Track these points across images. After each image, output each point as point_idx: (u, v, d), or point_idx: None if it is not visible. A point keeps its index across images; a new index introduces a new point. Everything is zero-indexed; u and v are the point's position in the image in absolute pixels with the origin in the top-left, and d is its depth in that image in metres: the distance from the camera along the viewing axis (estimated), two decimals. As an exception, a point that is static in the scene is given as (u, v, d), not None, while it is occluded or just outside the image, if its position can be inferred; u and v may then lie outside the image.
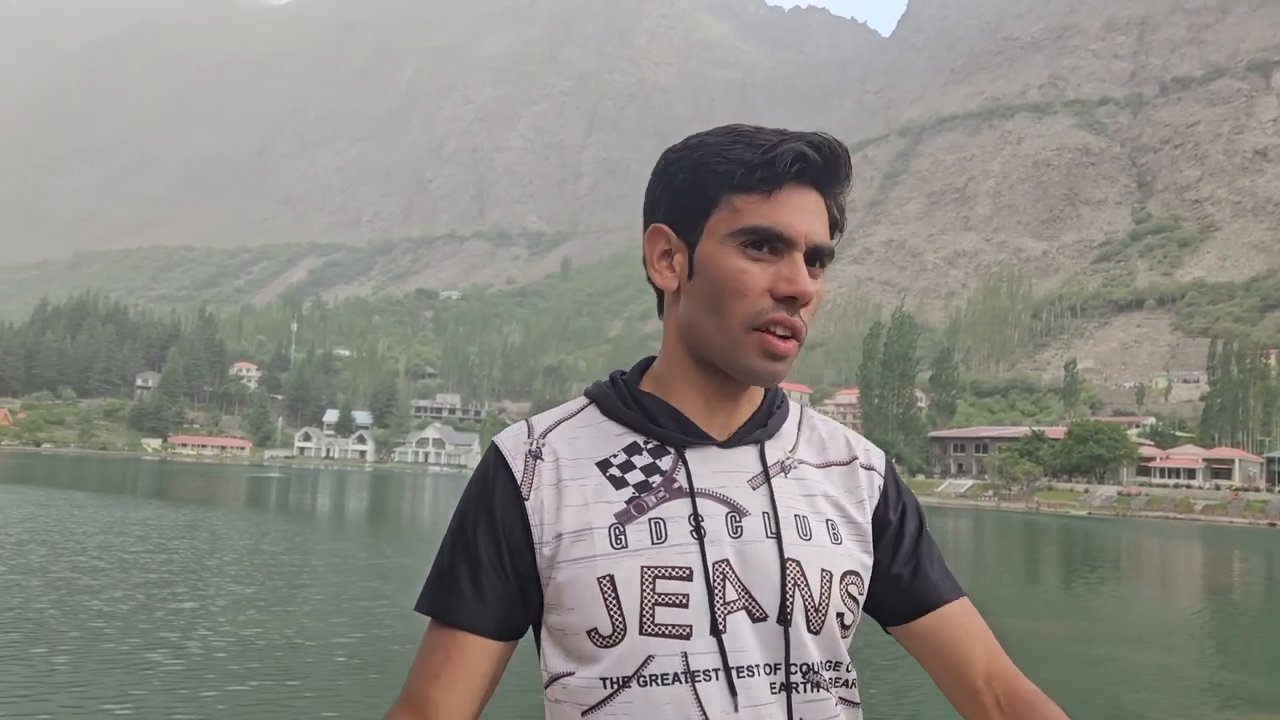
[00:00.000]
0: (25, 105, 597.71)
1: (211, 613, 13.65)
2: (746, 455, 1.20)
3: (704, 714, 1.10)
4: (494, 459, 1.21)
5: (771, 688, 1.13)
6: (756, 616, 1.13)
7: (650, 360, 1.29)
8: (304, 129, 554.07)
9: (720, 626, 1.11)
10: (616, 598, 1.11)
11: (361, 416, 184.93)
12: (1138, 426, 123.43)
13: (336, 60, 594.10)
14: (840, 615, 1.18)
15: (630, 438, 1.20)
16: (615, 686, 1.12)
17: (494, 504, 1.18)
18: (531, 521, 1.16)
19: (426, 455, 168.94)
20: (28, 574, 16.50)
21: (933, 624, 1.25)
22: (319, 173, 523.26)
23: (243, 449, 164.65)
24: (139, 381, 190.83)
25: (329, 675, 10.40)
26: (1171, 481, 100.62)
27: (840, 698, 1.18)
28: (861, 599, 1.22)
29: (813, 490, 1.22)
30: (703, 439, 1.19)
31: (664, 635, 1.11)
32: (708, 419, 1.20)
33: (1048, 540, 47.74)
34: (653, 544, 1.13)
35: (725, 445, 1.19)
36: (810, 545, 1.17)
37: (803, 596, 1.14)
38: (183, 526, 27.76)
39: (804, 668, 1.15)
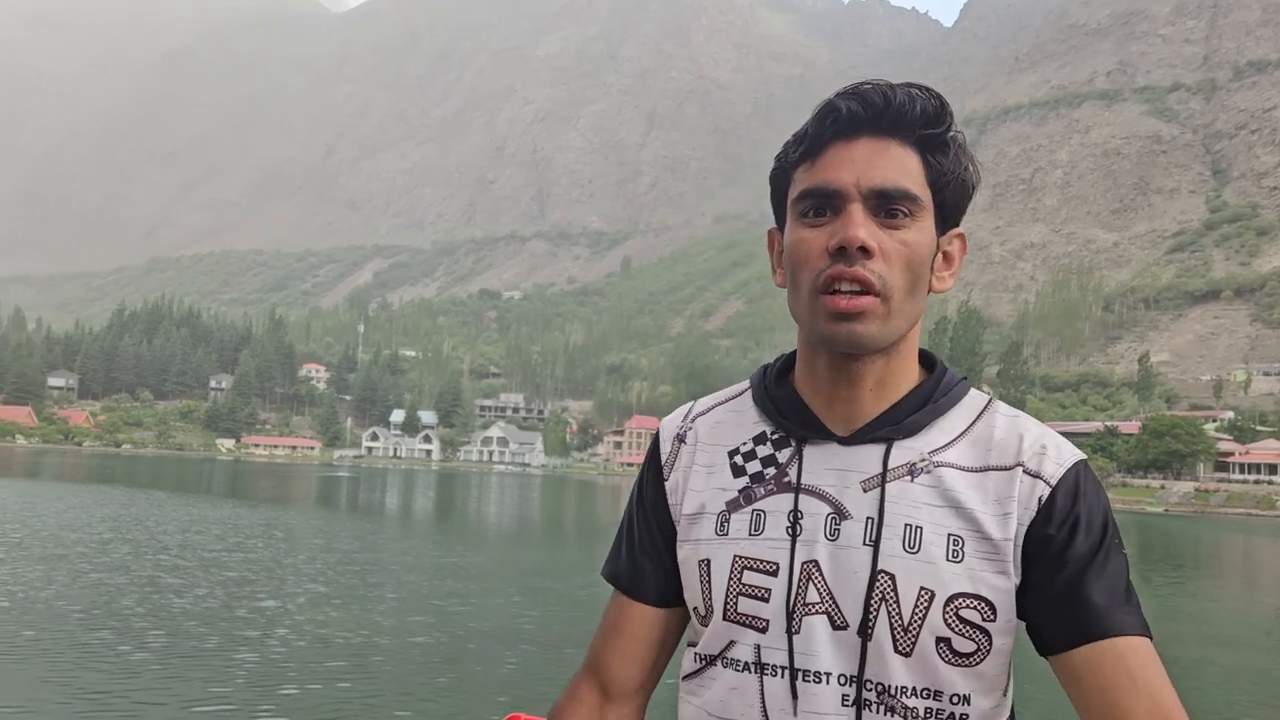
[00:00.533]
0: (102, 117, 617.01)
1: (290, 611, 13.87)
2: (868, 454, 1.14)
3: (764, 708, 1.12)
4: (653, 439, 1.30)
5: (844, 700, 1.09)
6: (837, 624, 1.10)
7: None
8: (368, 133, 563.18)
9: (795, 627, 1.10)
10: (709, 582, 1.16)
11: (427, 416, 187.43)
12: (1215, 421, 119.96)
13: (399, 64, 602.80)
14: (944, 640, 1.08)
15: (762, 426, 1.21)
16: (704, 662, 1.18)
17: (645, 481, 1.27)
18: (670, 501, 1.23)
19: (491, 454, 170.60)
20: (112, 571, 16.95)
21: (1089, 660, 1.08)
22: (383, 176, 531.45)
23: (313, 449, 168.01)
24: (213, 383, 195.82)
25: (405, 673, 10.48)
26: (1252, 477, 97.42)
27: None
28: (991, 626, 1.09)
29: (945, 500, 1.12)
30: (823, 434, 1.16)
31: (742, 624, 1.13)
32: (830, 412, 1.17)
33: (1125, 539, 46.42)
34: (749, 535, 1.15)
35: (846, 442, 1.15)
36: (914, 559, 1.10)
37: (889, 612, 1.09)
38: (259, 525, 28.34)
39: (880, 687, 1.09)
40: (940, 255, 1.16)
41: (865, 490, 1.12)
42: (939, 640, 1.08)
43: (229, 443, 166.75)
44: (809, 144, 1.12)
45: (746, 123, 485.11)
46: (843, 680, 1.09)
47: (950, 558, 1.09)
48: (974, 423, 1.17)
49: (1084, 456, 1.15)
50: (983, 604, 1.09)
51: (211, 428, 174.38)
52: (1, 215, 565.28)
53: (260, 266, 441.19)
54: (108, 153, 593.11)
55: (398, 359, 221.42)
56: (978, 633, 1.09)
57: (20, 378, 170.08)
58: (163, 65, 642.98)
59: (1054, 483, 1.11)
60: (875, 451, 1.14)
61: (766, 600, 1.12)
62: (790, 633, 1.10)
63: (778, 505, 1.14)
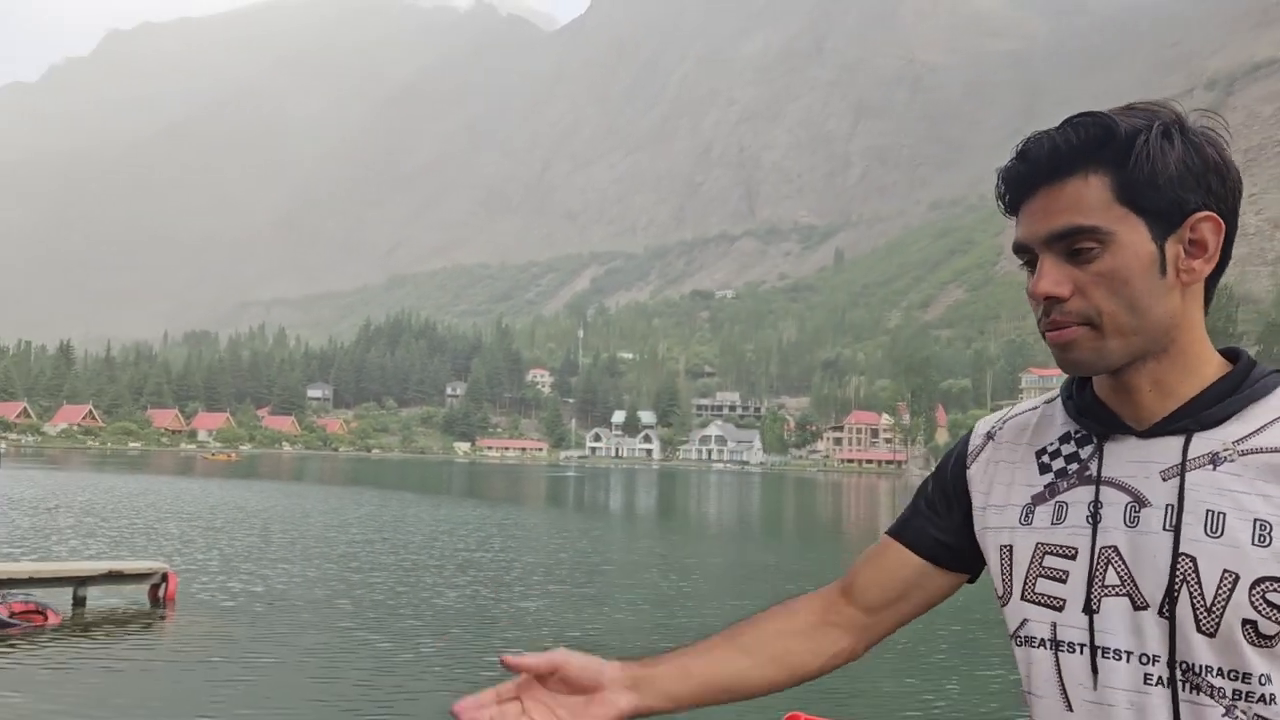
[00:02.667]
0: (343, 150, 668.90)
1: (539, 609, 14.94)
2: (1167, 445, 1.18)
3: (1062, 683, 1.18)
4: (967, 434, 1.40)
5: (1146, 678, 1.13)
6: (1138, 604, 1.14)
7: None
8: (580, 146, 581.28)
9: (1094, 606, 1.16)
10: (1010, 566, 1.24)
11: (646, 416, 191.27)
12: None
13: (607, 77, 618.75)
14: (1251, 623, 1.10)
15: (1068, 427, 1.27)
16: (1007, 638, 1.26)
17: (949, 463, 1.38)
18: (971, 488, 1.33)
19: (709, 453, 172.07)
20: (375, 570, 18.71)
21: None
22: (596, 186, 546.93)
23: (540, 450, 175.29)
24: (448, 390, 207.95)
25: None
26: None
27: (1250, 713, 1.11)
28: None
29: (1251, 486, 1.13)
30: (1122, 429, 1.21)
31: (1039, 604, 1.21)
32: (1129, 408, 1.21)
33: None
34: (1051, 524, 1.22)
35: (1144, 435, 1.20)
36: (1217, 543, 1.12)
37: (1190, 593, 1.11)
38: (499, 524, 30.22)
39: (1184, 665, 1.12)
40: (1182, 249, 1.16)
41: (1165, 479, 1.16)
42: (1245, 622, 1.09)
43: (465, 445, 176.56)
44: (1007, 206, 1.22)
45: (961, 105, 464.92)
46: (1144, 659, 1.13)
47: (1257, 542, 1.10)
48: None
49: None
50: None
51: (449, 432, 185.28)
52: (263, 244, 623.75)
53: (487, 279, 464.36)
54: (350, 182, 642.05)
55: (616, 361, 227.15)
56: None
57: (285, 390, 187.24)
58: (394, 98, 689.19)
59: None
60: (1175, 443, 1.17)
61: (1064, 581, 1.18)
62: (1090, 611, 1.16)
63: (1079, 497, 1.20)
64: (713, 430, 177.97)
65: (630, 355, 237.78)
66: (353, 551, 20.96)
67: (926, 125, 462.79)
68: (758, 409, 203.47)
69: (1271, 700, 1.10)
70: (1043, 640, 1.20)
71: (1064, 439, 1.27)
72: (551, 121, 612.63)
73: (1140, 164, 1.14)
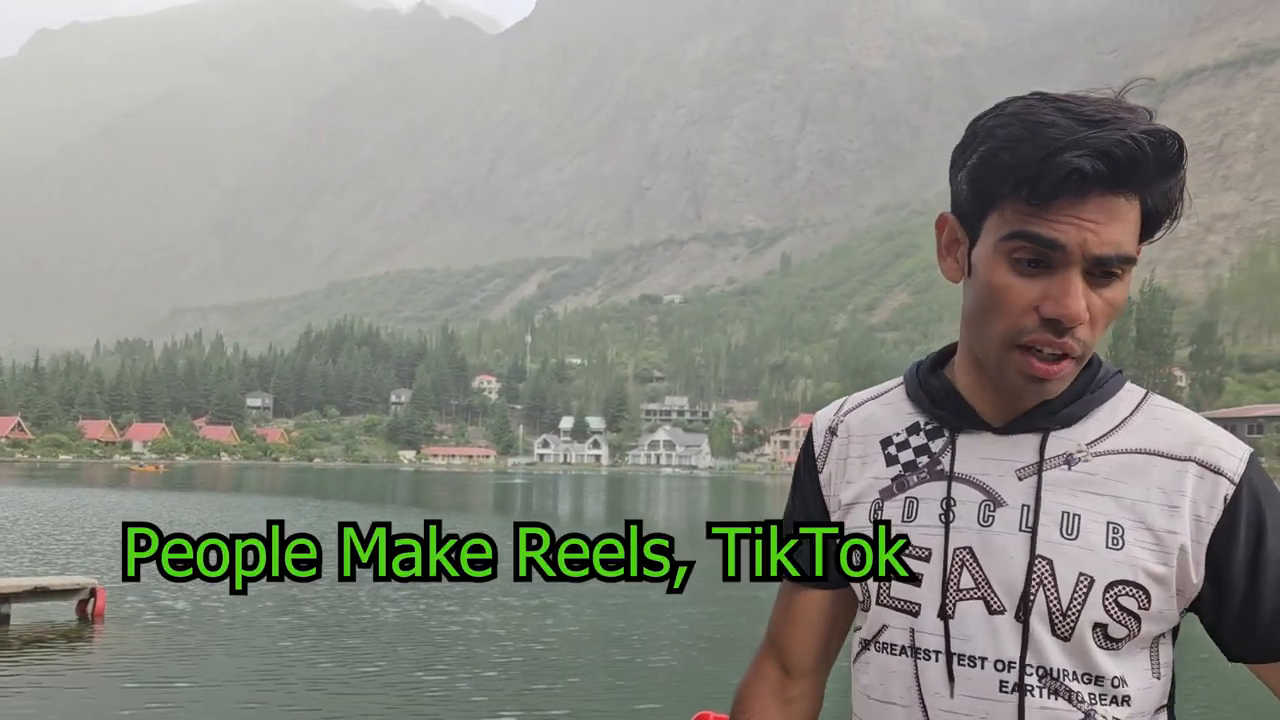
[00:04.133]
0: (280, 151, 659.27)
1: (477, 619, 14.44)
2: (1023, 444, 1.14)
3: (920, 692, 1.14)
4: (807, 434, 1.33)
5: (1003, 685, 1.10)
6: (994, 609, 1.10)
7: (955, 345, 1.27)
8: (526, 149, 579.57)
9: (949, 611, 1.12)
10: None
11: (595, 422, 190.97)
12: None
13: (553, 80, 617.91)
14: (1101, 626, 1.09)
15: (916, 418, 1.22)
16: (862, 646, 1.22)
17: (802, 473, 1.30)
18: (825, 493, 1.27)
19: (658, 457, 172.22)
20: (311, 584, 18.02)
21: (1269, 679, 1.13)
22: (542, 189, 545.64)
23: (488, 457, 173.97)
24: (393, 398, 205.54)
25: (593, 675, 10.75)
26: None
27: (1103, 716, 1.10)
28: (1144, 614, 1.09)
29: (1103, 488, 1.11)
30: (978, 424, 1.16)
31: (895, 609, 1.16)
32: (988, 403, 1.16)
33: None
34: (902, 521, 1.17)
35: (1001, 432, 1.15)
36: (1073, 545, 1.09)
37: (1047, 596, 1.09)
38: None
39: (1041, 671, 1.09)
40: None
41: (1020, 479, 1.12)
42: (1096, 625, 1.08)
43: (410, 454, 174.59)
44: (1038, 192, 1.03)
45: (904, 110, 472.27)
46: (999, 665, 1.10)
47: (1110, 545, 1.09)
48: (1132, 414, 1.15)
49: (1253, 450, 1.13)
50: (1140, 592, 1.08)
51: (393, 440, 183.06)
52: (198, 249, 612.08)
53: (432, 284, 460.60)
54: (287, 185, 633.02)
55: (564, 367, 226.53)
56: (1131, 619, 1.09)
57: (223, 399, 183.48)
58: (334, 100, 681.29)
59: (1237, 480, 1.10)
60: (1031, 441, 1.14)
61: (919, 584, 1.14)
62: (946, 617, 1.12)
63: (931, 493, 1.16)
64: (661, 435, 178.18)
65: (578, 360, 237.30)
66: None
67: (871, 130, 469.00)
68: (706, 413, 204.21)
69: (1126, 702, 1.10)
70: (903, 648, 1.15)
71: (912, 430, 1.22)
72: (497, 124, 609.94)
73: (1170, 204, 1.07)
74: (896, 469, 1.20)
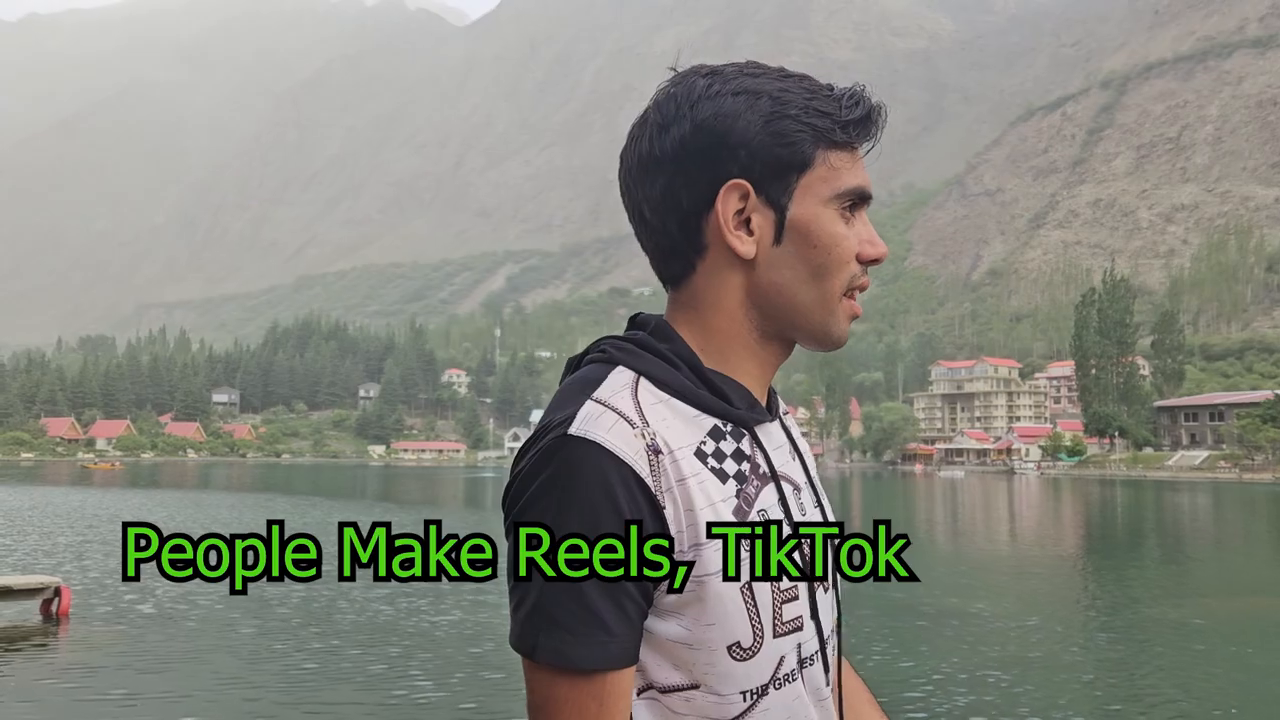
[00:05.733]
0: (246, 144, 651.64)
1: (462, 620, 14.46)
2: (777, 428, 1.11)
3: (809, 699, 1.04)
4: (607, 463, 0.93)
5: (834, 650, 1.12)
6: (827, 587, 1.09)
7: (659, 324, 1.08)
8: (494, 142, 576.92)
9: (816, 608, 1.05)
10: (755, 605, 0.98)
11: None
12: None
13: (520, 72, 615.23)
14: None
15: (708, 421, 1.02)
16: (755, 698, 1.00)
17: (626, 517, 0.93)
18: (674, 531, 0.95)
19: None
20: (279, 581, 17.93)
21: None
22: (510, 183, 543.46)
23: (458, 451, 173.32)
24: (361, 393, 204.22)
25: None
26: None
27: (833, 649, 1.15)
28: None
29: (801, 448, 1.16)
30: (765, 416, 1.07)
31: (787, 633, 1.01)
32: (762, 392, 1.09)
33: (1301, 514, 43.65)
34: None
35: (772, 419, 1.10)
36: (829, 507, 1.14)
37: (832, 559, 1.11)
38: (412, 527, 29.51)
39: (834, 628, 1.12)
40: None
41: (792, 459, 1.11)
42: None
43: (379, 449, 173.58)
44: (860, 133, 1.05)
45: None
46: (832, 635, 1.11)
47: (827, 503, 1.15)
48: None
49: None
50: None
51: (362, 435, 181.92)
52: (163, 244, 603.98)
53: (400, 278, 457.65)
54: (254, 179, 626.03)
55: (534, 360, 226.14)
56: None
57: (188, 395, 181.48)
58: (299, 92, 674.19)
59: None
60: (777, 424, 1.12)
61: (798, 597, 1.02)
62: (815, 617, 1.04)
63: (769, 499, 1.03)
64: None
65: (548, 354, 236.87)
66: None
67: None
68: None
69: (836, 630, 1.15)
70: (792, 670, 1.02)
71: (715, 435, 1.01)
72: (463, 117, 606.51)
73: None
74: (732, 484, 1.00)
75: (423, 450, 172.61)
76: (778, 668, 1.00)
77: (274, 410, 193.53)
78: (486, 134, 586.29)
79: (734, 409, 1.02)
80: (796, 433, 1.15)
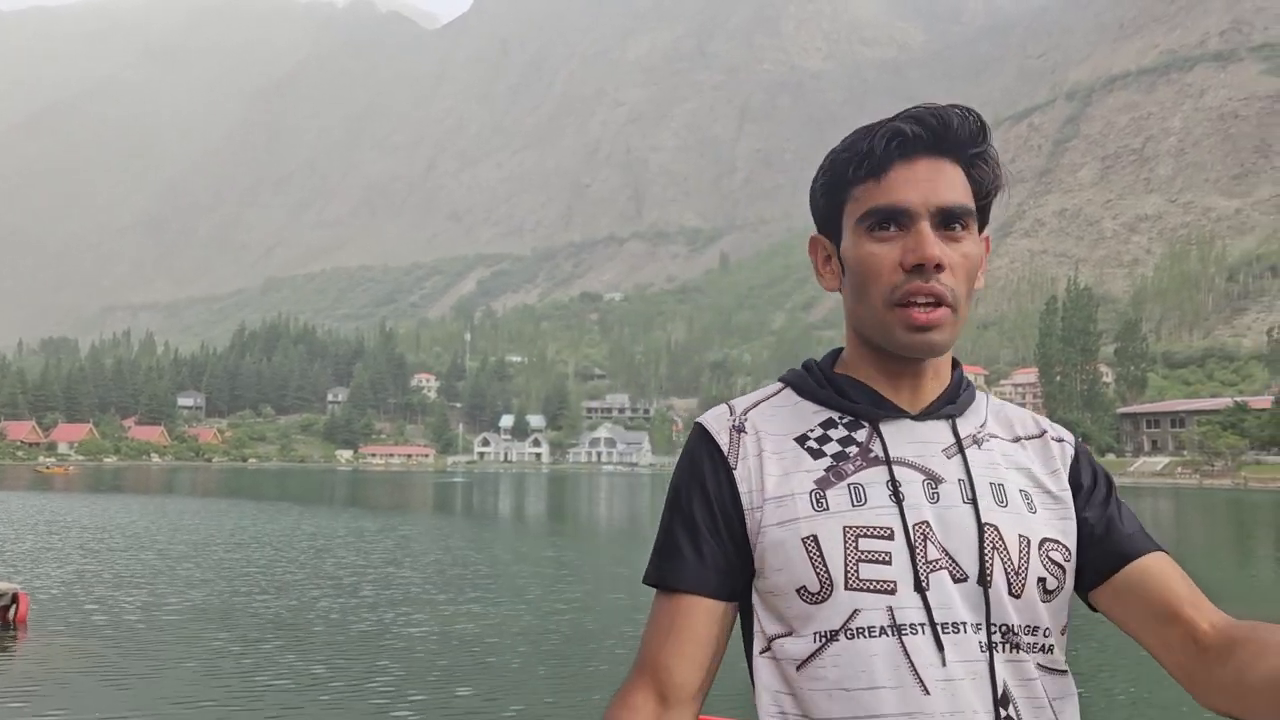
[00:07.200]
0: (216, 147, 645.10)
1: (416, 619, 14.45)
2: (938, 428, 1.26)
3: (912, 665, 1.15)
4: (699, 435, 1.31)
5: (981, 646, 1.17)
6: (957, 577, 1.17)
7: (839, 350, 1.36)
8: (466, 145, 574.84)
9: (924, 583, 1.16)
10: (821, 556, 1.18)
11: (535, 420, 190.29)
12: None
13: (492, 75, 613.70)
14: (1042, 580, 1.20)
15: (826, 414, 1.27)
16: (824, 640, 1.17)
17: (704, 475, 1.27)
18: (740, 490, 1.24)
19: (599, 455, 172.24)
20: (247, 588, 17.85)
21: (1130, 577, 1.23)
22: (482, 186, 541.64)
23: (427, 456, 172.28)
24: (330, 397, 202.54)
25: (532, 671, 10.88)
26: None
27: (1039, 664, 1.20)
28: (1068, 565, 1.24)
29: (1006, 463, 1.27)
30: (895, 412, 1.25)
31: (869, 590, 1.16)
32: (896, 395, 1.26)
33: (1262, 519, 44.44)
34: (852, 506, 1.19)
35: (917, 418, 1.25)
36: (1006, 511, 1.21)
37: (1001, 560, 1.19)
38: (378, 533, 29.37)
39: (1004, 628, 1.18)
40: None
41: (949, 458, 1.23)
42: (1039, 580, 1.20)
43: (347, 453, 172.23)
44: (873, 163, 1.22)
45: (840, 110, 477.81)
46: (975, 628, 1.17)
47: (1029, 509, 1.24)
48: (987, 405, 1.34)
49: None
50: (1061, 546, 1.23)
51: (330, 439, 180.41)
52: (130, 246, 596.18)
53: (369, 282, 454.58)
54: (223, 180, 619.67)
55: (504, 365, 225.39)
56: (1060, 571, 1.22)
57: (153, 399, 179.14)
58: (270, 93, 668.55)
59: (1074, 445, 1.33)
60: (944, 426, 1.26)
61: (889, 563, 1.17)
62: (923, 590, 1.16)
63: (873, 477, 1.21)
64: (602, 433, 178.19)
65: (518, 358, 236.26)
66: (224, 566, 19.99)
67: (810, 130, 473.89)
68: (647, 411, 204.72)
69: (1052, 650, 1.22)
70: (883, 628, 1.16)
71: (827, 425, 1.27)
72: (436, 119, 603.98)
73: (991, 171, 1.25)
74: (826, 460, 1.23)
75: (391, 455, 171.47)
76: (850, 619, 1.16)
77: (241, 414, 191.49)
78: (459, 137, 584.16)
79: (853, 404, 1.26)
80: (994, 442, 1.29)
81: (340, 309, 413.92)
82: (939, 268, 1.18)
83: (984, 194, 1.25)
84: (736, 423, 1.29)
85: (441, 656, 11.44)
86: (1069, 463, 1.30)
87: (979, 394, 1.34)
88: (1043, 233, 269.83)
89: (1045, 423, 1.35)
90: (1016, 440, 1.30)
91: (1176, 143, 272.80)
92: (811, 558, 1.18)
